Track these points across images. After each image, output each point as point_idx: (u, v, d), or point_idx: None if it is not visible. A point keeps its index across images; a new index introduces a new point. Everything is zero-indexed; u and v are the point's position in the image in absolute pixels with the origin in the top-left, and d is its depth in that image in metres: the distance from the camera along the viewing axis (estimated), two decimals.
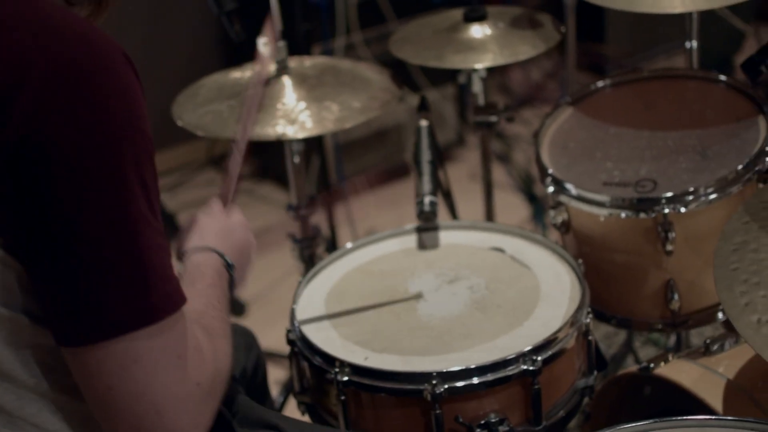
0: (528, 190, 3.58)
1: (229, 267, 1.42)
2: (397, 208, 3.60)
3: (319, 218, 2.41)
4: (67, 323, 1.06)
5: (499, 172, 3.57)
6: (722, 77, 2.09)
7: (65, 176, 1.02)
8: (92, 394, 1.08)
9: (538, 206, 3.44)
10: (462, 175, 3.76)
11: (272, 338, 2.35)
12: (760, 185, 1.86)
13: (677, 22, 2.21)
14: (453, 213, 2.45)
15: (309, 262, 2.26)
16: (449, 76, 3.80)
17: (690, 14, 2.14)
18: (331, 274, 1.89)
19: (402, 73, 2.19)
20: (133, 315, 1.05)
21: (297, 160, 2.14)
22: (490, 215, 2.49)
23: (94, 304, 1.05)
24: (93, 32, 1.06)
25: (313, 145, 2.79)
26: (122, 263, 1.05)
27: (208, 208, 1.54)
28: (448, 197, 2.37)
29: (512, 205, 3.47)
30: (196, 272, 1.37)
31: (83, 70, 1.03)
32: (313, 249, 2.27)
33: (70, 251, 1.03)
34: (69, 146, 1.02)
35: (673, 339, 2.29)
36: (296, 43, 2.16)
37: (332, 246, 2.69)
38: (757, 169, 1.87)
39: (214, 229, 1.48)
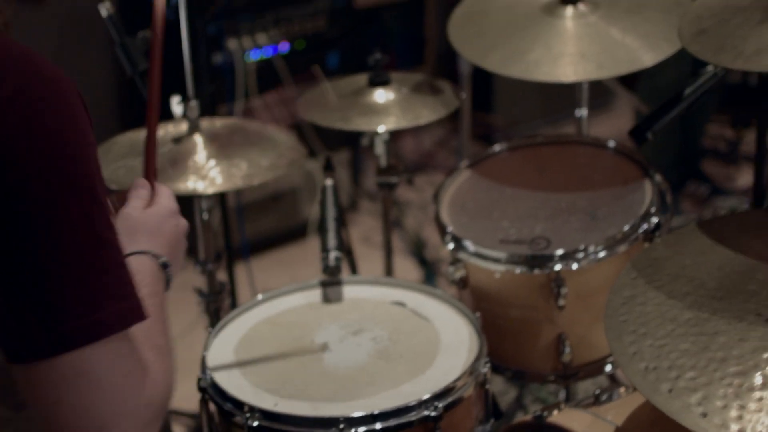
0: (419, 254, 3.68)
1: (164, 266, 1.39)
2: (291, 269, 3.67)
3: (221, 275, 2.46)
4: (17, 339, 1.08)
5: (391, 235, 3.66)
6: (611, 143, 2.23)
7: (21, 195, 1.05)
8: (40, 408, 1.10)
9: (429, 270, 3.55)
10: (355, 238, 3.85)
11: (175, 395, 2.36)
12: (646, 244, 1.99)
13: (567, 93, 2.35)
14: (354, 270, 2.53)
15: (215, 316, 2.30)
16: (344, 141, 3.90)
17: (580, 84, 2.27)
18: (240, 325, 1.94)
19: (299, 138, 2.27)
20: (82, 330, 1.07)
21: (206, 216, 2.19)
22: (389, 273, 2.57)
23: (45, 319, 1.06)
24: (45, 64, 1.11)
25: (216, 204, 2.84)
26: (74, 280, 1.07)
27: (133, 200, 1.47)
28: (349, 255, 2.45)
29: (404, 269, 3.56)
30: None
31: (39, 98, 1.07)
32: (219, 303, 2.31)
33: (23, 268, 1.06)
34: (24, 165, 1.05)
35: (561, 395, 2.39)
36: (203, 104, 2.22)
37: (234, 303, 2.73)
38: (643, 229, 2.00)
39: (144, 226, 1.43)
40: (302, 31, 3.81)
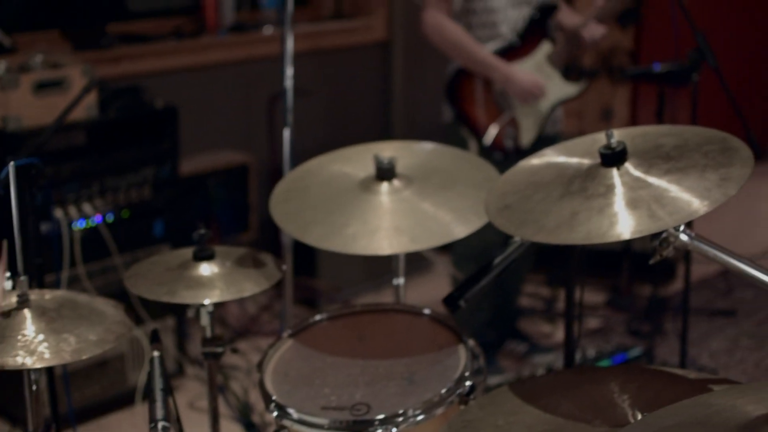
0: (247, 419, 3.71)
1: None
2: None
3: None
4: None
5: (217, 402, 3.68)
6: (426, 311, 2.35)
7: None
8: None
9: None
10: (182, 404, 3.85)
11: None
12: (462, 406, 2.10)
13: (386, 259, 2.47)
14: None
15: None
16: (169, 308, 3.93)
17: (398, 255, 2.40)
18: None
19: (126, 306, 2.32)
20: None
21: (34, 387, 2.20)
22: None
23: None
24: None
25: (43, 373, 2.83)
26: None
27: None
28: (178, 422, 2.47)
29: None
30: None
31: None
32: None
33: None
34: None
35: None
36: (31, 275, 2.25)
37: None
38: (458, 392, 2.11)
39: None
40: (127, 200, 3.87)
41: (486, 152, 3.74)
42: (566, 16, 3.95)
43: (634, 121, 6.69)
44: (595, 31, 3.77)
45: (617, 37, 6.55)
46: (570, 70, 3.90)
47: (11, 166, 2.27)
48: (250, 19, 5.11)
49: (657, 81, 4.25)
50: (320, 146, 5.21)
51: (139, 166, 3.91)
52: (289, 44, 2.62)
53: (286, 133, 2.57)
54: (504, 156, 3.75)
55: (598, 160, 1.98)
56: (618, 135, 2.00)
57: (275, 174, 4.96)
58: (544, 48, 3.82)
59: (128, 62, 4.54)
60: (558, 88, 3.85)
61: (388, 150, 2.38)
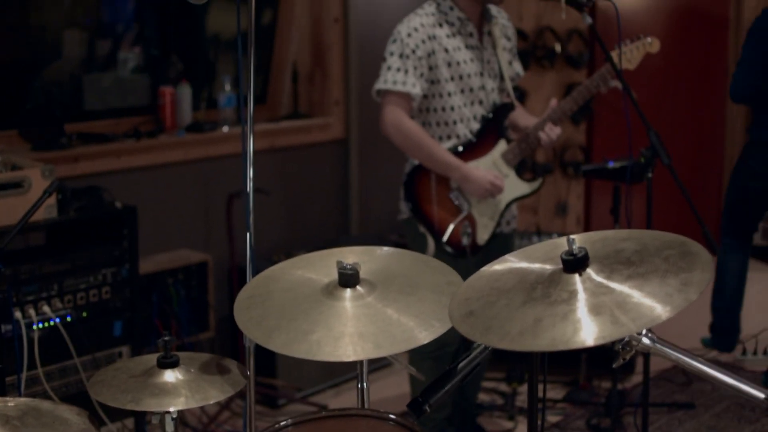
0: None
1: None
2: None
3: None
4: None
5: None
6: (392, 415, 2.35)
7: None
8: None
9: None
10: None
11: None
12: None
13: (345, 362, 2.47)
14: None
15: None
16: (128, 412, 3.88)
17: (361, 361, 2.40)
18: None
19: (89, 412, 2.30)
20: None
21: None
22: None
23: None
24: None
25: None
26: None
27: None
28: None
29: None
30: None
31: None
32: None
33: None
34: None
35: None
36: None
37: None
38: None
39: None
40: (87, 301, 3.86)
41: (443, 249, 3.79)
42: (521, 117, 4.03)
43: (588, 215, 6.77)
44: (551, 131, 3.85)
45: (570, 132, 6.66)
46: (525, 169, 3.97)
47: None
48: (208, 118, 5.15)
49: (611, 177, 4.33)
50: (280, 244, 5.27)
51: (99, 266, 3.91)
52: (250, 145, 2.64)
53: (249, 238, 2.57)
54: (461, 253, 3.79)
55: (560, 265, 2.01)
56: (579, 240, 2.03)
57: (234, 272, 4.96)
58: (500, 147, 3.90)
59: (87, 162, 4.55)
60: (513, 187, 3.91)
61: (350, 255, 2.40)
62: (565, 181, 6.65)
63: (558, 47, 6.46)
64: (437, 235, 3.80)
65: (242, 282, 2.46)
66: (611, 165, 4.32)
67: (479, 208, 3.84)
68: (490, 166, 3.86)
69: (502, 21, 4.00)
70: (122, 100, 5.21)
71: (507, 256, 2.20)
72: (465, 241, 3.76)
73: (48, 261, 3.77)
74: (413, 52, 3.75)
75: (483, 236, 3.86)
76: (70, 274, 3.82)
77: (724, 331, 5.36)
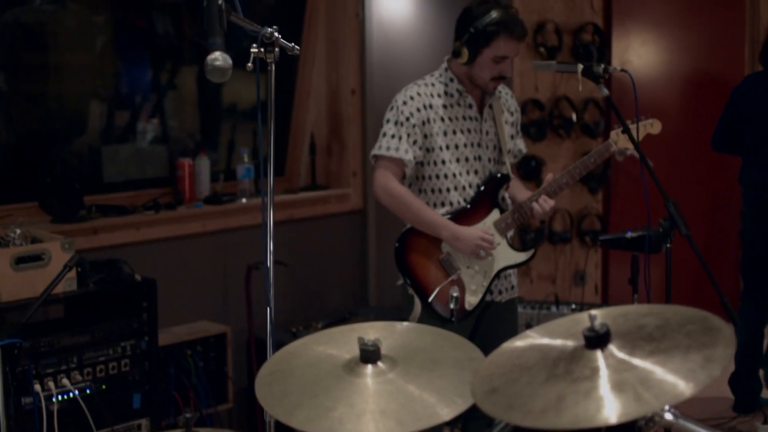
0: None
1: None
2: None
3: None
4: None
5: None
6: None
7: None
8: None
9: None
10: None
11: None
12: None
13: None
14: None
15: None
16: None
17: None
18: None
19: None
20: None
21: None
22: None
23: None
24: None
25: None
26: None
27: None
28: None
29: None
30: None
31: None
32: None
33: None
34: None
35: None
36: None
37: None
38: None
39: None
40: (106, 373, 3.85)
41: (430, 313, 3.79)
42: (516, 189, 4.07)
43: (606, 284, 6.76)
44: (544, 203, 3.88)
45: (587, 201, 6.68)
46: (518, 239, 3.99)
47: None
48: (226, 189, 5.18)
49: (629, 248, 4.32)
50: (298, 315, 5.26)
51: (118, 338, 3.91)
52: (270, 217, 2.66)
53: (269, 312, 2.58)
54: (448, 317, 3.78)
55: (582, 341, 2.00)
56: (600, 316, 2.03)
57: (253, 343, 4.96)
58: (492, 216, 3.93)
59: (106, 234, 4.58)
60: (505, 255, 3.93)
61: (371, 331, 2.40)
62: (582, 250, 6.65)
63: (574, 116, 6.49)
64: (424, 297, 3.80)
65: (261, 353, 2.47)
66: (629, 235, 4.31)
67: (468, 273, 3.86)
68: None
69: (505, 96, 4.08)
70: (141, 171, 5.25)
71: (528, 332, 2.19)
72: (452, 305, 3.76)
73: (67, 333, 3.77)
74: (407, 119, 3.82)
75: (471, 301, 3.85)
76: (90, 347, 3.82)
77: (736, 389, 5.28)
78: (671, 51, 7.00)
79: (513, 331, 3.98)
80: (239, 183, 5.22)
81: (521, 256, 3.96)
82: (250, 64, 2.67)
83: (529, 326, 4.88)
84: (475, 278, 3.85)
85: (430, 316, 3.77)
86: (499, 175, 3.97)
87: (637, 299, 4.06)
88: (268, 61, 2.71)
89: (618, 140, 3.89)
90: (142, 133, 5.35)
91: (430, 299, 3.77)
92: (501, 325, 3.96)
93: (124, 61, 5.29)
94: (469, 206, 3.90)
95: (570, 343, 2.04)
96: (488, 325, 3.95)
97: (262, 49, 2.70)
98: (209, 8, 2.34)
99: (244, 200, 5.14)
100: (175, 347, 4.57)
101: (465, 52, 3.83)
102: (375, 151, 3.87)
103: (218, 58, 2.31)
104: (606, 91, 3.67)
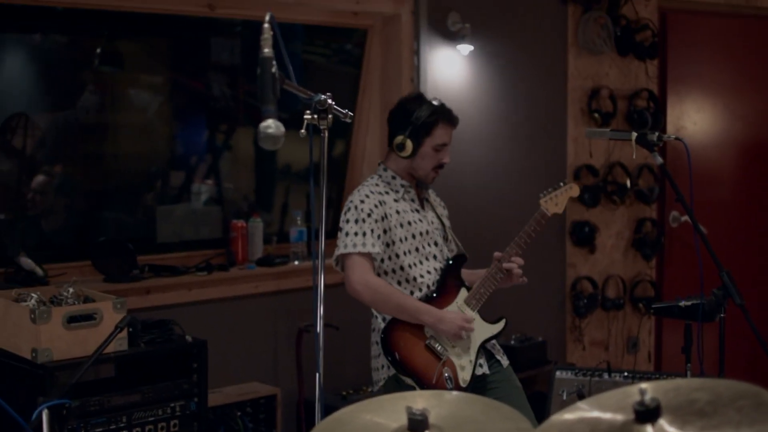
0: None
1: None
2: None
3: None
4: None
5: None
6: None
7: None
8: None
9: None
10: None
11: None
12: None
13: None
14: None
15: None
16: None
17: None
18: None
19: None
20: None
21: None
22: None
23: None
24: None
25: None
26: None
27: None
28: None
29: None
30: None
31: None
32: None
33: None
34: None
35: None
36: None
37: None
38: None
39: None
40: None
41: None
42: (466, 273, 4.15)
43: (659, 351, 6.68)
44: (517, 260, 3.99)
45: (641, 267, 6.62)
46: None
47: (44, 408, 2.29)
48: (278, 252, 5.21)
49: (682, 317, 4.27)
50: (349, 379, 5.24)
51: (168, 399, 3.93)
52: (321, 281, 2.67)
53: (318, 378, 2.58)
54: None
55: (632, 415, 1.97)
56: (651, 390, 2.00)
57: (302, 406, 4.95)
58: (461, 295, 4.02)
59: (158, 293, 4.62)
60: (481, 330, 4.00)
61: (419, 400, 2.38)
62: (636, 317, 6.58)
63: (628, 182, 6.46)
64: (424, 384, 3.84)
65: (310, 416, 2.47)
66: (682, 303, 4.26)
67: (455, 353, 3.93)
68: None
69: (432, 194, 4.24)
70: (195, 232, 5.30)
71: (579, 404, 2.17)
72: (449, 385, 3.85)
73: (117, 393, 3.79)
74: (369, 215, 3.91)
75: (465, 378, 3.93)
76: (139, 407, 3.84)
77: None
78: (726, 118, 6.97)
79: (514, 397, 4.02)
80: (292, 245, 5.25)
81: (496, 328, 4.04)
82: (303, 131, 2.71)
83: (580, 394, 4.82)
84: (462, 356, 3.93)
85: None
86: (457, 255, 4.12)
87: (690, 369, 4.00)
88: (321, 127, 2.75)
89: (548, 207, 4.05)
90: (196, 194, 5.41)
91: (434, 382, 3.84)
92: (496, 393, 3.99)
93: (180, 121, 5.37)
94: (436, 291, 3.99)
95: (620, 417, 2.01)
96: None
97: (315, 116, 2.73)
98: (263, 76, 2.37)
99: (296, 262, 5.17)
100: (225, 408, 4.58)
101: (409, 144, 3.97)
102: (341, 251, 3.92)
103: (271, 125, 2.33)
104: (660, 159, 3.66)
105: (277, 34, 2.42)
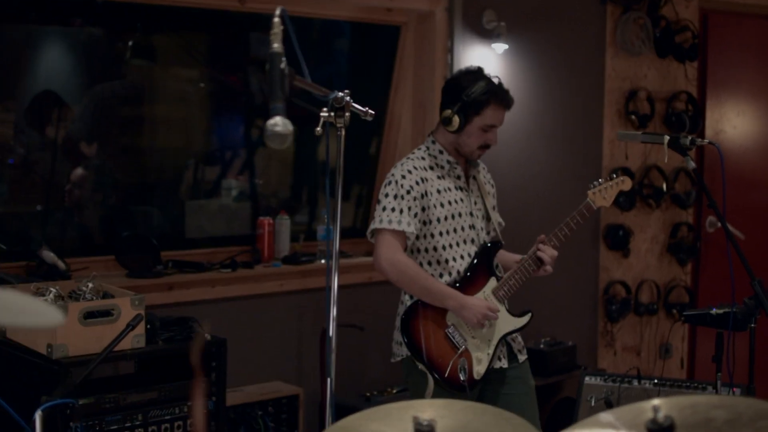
0: None
1: None
2: None
3: None
4: None
5: None
6: None
7: None
8: None
9: None
10: None
11: None
12: None
13: None
14: None
15: None
16: None
17: None
18: None
19: None
20: None
21: None
22: None
23: None
24: None
25: None
26: None
27: None
28: None
29: None
30: None
31: None
32: None
33: None
34: None
35: None
36: None
37: None
38: None
39: None
40: None
41: (443, 386, 3.81)
42: (502, 256, 4.09)
43: (692, 358, 6.56)
44: (549, 250, 3.91)
45: (676, 272, 6.51)
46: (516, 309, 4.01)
47: (38, 413, 2.24)
48: (305, 250, 5.15)
49: (713, 325, 4.18)
50: (376, 380, 5.18)
51: (185, 398, 3.86)
52: (334, 282, 2.61)
53: (329, 383, 2.52)
54: (460, 388, 3.81)
55: None
56: (666, 406, 1.91)
57: (325, 406, 4.89)
58: (490, 284, 3.95)
59: (180, 290, 4.58)
60: (504, 322, 3.93)
61: (429, 409, 2.30)
62: (669, 322, 6.47)
63: (664, 186, 6.35)
64: (437, 372, 3.81)
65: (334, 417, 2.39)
66: (714, 311, 4.16)
67: (474, 343, 3.87)
68: None
69: (482, 170, 4.14)
70: (223, 228, 5.26)
71: (597, 416, 2.08)
72: (462, 376, 3.81)
73: (133, 391, 3.74)
74: (408, 192, 3.84)
75: (479, 371, 3.87)
76: (156, 405, 3.78)
77: None
78: (766, 122, 6.83)
79: (524, 396, 3.99)
80: (319, 243, 5.19)
81: (520, 321, 3.98)
82: (319, 128, 2.65)
83: (608, 401, 4.72)
84: (480, 347, 3.88)
85: (443, 390, 3.80)
86: (492, 243, 4.02)
87: (720, 378, 3.92)
88: (338, 126, 2.68)
89: (596, 199, 3.98)
90: (227, 190, 5.36)
91: (446, 374, 3.80)
92: (508, 389, 3.97)
93: (216, 116, 5.33)
94: (466, 276, 3.92)
95: None
96: (493, 391, 3.97)
97: (332, 114, 2.67)
98: (271, 72, 2.30)
99: (323, 261, 5.10)
100: (247, 407, 4.53)
101: (456, 120, 3.88)
102: (375, 225, 3.86)
103: (278, 123, 2.26)
104: (692, 164, 3.58)
105: (288, 29, 2.36)
